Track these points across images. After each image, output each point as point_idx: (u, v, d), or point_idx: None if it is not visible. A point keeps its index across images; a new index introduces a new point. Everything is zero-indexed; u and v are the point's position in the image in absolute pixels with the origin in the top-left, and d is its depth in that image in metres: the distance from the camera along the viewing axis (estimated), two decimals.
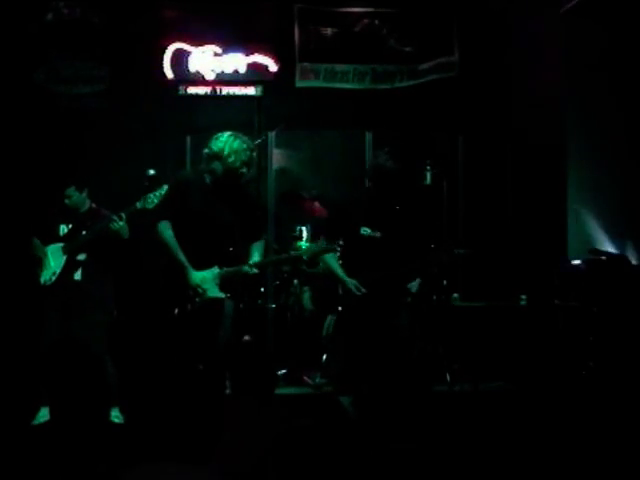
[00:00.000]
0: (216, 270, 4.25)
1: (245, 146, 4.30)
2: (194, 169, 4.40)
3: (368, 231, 4.58)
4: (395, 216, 4.65)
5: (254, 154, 4.42)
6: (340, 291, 4.63)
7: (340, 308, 4.70)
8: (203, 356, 4.35)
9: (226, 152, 4.25)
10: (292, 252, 4.63)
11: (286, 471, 3.93)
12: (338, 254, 4.65)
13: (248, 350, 4.21)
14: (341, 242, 4.47)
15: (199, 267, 4.24)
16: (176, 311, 4.27)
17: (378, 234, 4.57)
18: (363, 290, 4.51)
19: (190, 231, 4.26)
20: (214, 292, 4.26)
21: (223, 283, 4.28)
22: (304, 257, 4.47)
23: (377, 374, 4.55)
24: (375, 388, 4.55)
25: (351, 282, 4.54)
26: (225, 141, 4.28)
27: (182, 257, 4.23)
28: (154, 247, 4.33)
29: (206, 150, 4.33)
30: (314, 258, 4.54)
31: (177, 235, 4.27)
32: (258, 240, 4.44)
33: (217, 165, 4.28)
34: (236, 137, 4.32)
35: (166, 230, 4.27)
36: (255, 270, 4.28)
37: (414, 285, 4.65)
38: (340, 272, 4.61)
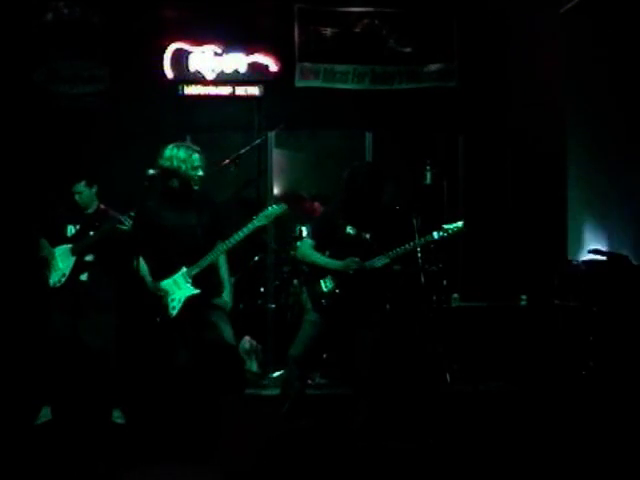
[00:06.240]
0: (184, 269, 4.43)
1: (190, 151, 4.43)
2: (148, 195, 4.48)
3: (354, 230, 4.56)
4: (375, 217, 4.60)
5: (202, 155, 4.48)
6: (324, 288, 4.59)
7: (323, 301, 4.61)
8: (201, 354, 4.41)
9: (176, 164, 4.38)
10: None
11: (286, 471, 3.94)
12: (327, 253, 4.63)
13: (215, 348, 4.26)
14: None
15: (170, 274, 4.44)
16: (158, 319, 4.46)
17: (363, 234, 4.55)
18: (357, 259, 4.46)
19: (160, 245, 4.45)
20: (188, 290, 4.42)
21: (196, 279, 4.43)
22: (257, 223, 4.47)
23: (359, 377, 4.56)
24: (362, 389, 4.56)
25: (340, 263, 4.50)
26: (170, 156, 4.40)
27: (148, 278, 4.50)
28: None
29: (155, 170, 4.39)
30: (270, 219, 4.52)
31: (150, 252, 4.49)
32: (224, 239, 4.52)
33: (173, 180, 4.41)
34: (179, 147, 4.44)
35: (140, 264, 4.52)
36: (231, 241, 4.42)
37: (379, 261, 4.55)
38: (325, 260, 4.57)
